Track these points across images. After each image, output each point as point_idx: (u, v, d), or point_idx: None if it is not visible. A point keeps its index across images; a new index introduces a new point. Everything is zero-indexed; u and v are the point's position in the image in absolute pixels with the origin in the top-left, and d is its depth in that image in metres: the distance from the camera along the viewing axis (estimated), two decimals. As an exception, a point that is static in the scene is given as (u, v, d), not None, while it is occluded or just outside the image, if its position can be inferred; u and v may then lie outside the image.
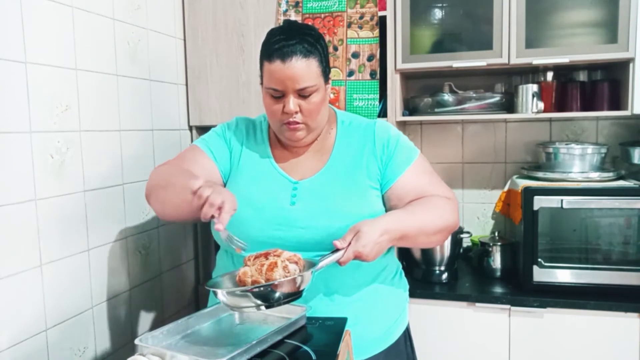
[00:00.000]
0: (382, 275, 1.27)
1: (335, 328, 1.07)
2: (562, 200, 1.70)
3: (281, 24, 1.89)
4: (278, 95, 1.17)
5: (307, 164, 1.26)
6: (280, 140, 1.28)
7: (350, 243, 1.05)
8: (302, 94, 1.16)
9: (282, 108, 1.17)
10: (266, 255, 1.04)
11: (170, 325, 1.03)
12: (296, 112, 1.17)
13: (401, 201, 1.23)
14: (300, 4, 1.89)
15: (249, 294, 0.96)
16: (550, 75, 1.97)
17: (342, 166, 1.24)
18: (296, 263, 1.03)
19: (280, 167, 1.26)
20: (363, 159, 1.24)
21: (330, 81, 1.25)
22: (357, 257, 1.05)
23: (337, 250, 1.05)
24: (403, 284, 1.38)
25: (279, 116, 1.19)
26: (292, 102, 1.16)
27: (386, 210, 1.25)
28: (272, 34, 1.18)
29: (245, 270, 1.02)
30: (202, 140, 1.32)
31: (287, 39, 1.14)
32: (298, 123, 1.18)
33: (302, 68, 1.13)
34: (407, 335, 1.35)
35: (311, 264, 1.04)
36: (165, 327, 1.01)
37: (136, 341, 0.95)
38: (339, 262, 1.05)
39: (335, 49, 1.87)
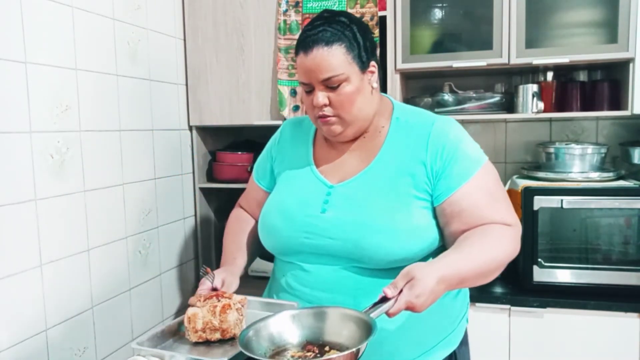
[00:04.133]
0: None
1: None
2: (562, 200, 1.70)
3: (281, 24, 1.89)
4: (308, 89, 1.11)
5: (349, 164, 1.16)
6: (327, 138, 1.19)
7: (402, 291, 0.90)
8: (329, 85, 1.07)
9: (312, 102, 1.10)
10: (217, 297, 1.00)
11: (168, 326, 1.03)
12: (325, 105, 1.09)
13: (452, 221, 1.08)
14: (300, 4, 1.89)
15: None
16: (550, 75, 1.97)
17: (386, 171, 1.11)
18: (243, 306, 1.00)
19: (321, 169, 1.18)
20: (410, 165, 1.10)
21: (373, 68, 1.13)
22: (409, 308, 0.90)
23: (386, 298, 0.90)
24: (459, 305, 1.20)
25: (312, 111, 1.12)
26: (319, 95, 1.08)
27: (437, 225, 1.10)
28: (305, 25, 1.12)
29: (195, 312, 0.97)
30: (256, 167, 1.35)
31: (311, 29, 1.08)
32: (329, 116, 1.10)
33: (323, 57, 1.05)
34: (453, 359, 1.18)
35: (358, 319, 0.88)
36: (163, 328, 1.01)
37: (133, 345, 0.94)
38: (387, 314, 0.90)
39: (335, 49, 1.87)
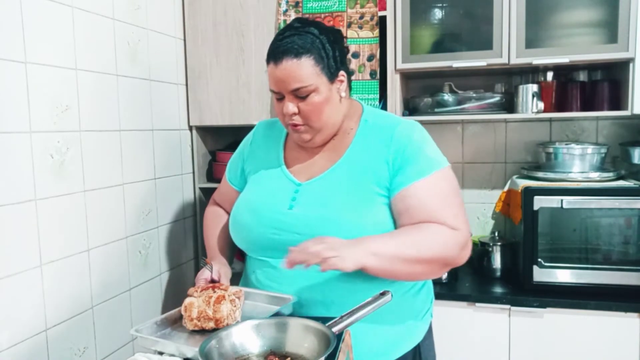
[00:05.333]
0: (390, 289, 1.10)
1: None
2: (562, 200, 1.70)
3: (281, 24, 1.90)
4: (279, 97, 1.15)
5: (317, 164, 1.21)
6: None
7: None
8: (299, 95, 1.12)
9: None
10: (213, 289, 1.05)
11: (170, 314, 1.06)
12: (294, 114, 1.13)
13: (402, 217, 1.12)
14: (300, 4, 1.89)
15: None
16: (550, 75, 1.97)
17: (352, 168, 1.16)
18: (239, 299, 1.04)
19: (291, 169, 1.23)
20: (374, 163, 1.15)
21: (342, 77, 1.17)
22: (326, 260, 0.94)
23: (353, 312, 0.93)
24: (421, 300, 1.24)
25: (282, 117, 1.17)
26: (289, 104, 1.13)
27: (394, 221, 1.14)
28: (276, 34, 1.16)
29: (191, 301, 1.02)
30: (228, 167, 1.39)
31: (282, 39, 1.11)
32: (299, 125, 1.15)
33: (293, 69, 1.09)
34: (417, 353, 1.21)
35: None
36: (159, 317, 1.04)
37: (131, 331, 0.97)
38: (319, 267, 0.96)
39: (335, 49, 1.87)
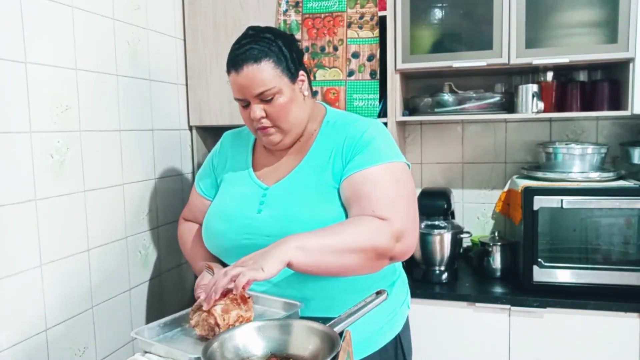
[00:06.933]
0: (366, 284, 1.16)
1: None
2: (562, 200, 1.70)
3: (281, 24, 1.90)
4: (244, 104, 1.18)
5: (283, 167, 1.24)
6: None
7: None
8: (264, 99, 1.15)
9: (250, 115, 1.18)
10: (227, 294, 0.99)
11: (169, 318, 1.04)
12: (262, 118, 1.16)
13: (346, 205, 1.13)
14: (300, 4, 1.89)
15: None
16: (550, 75, 1.97)
17: (312, 168, 1.19)
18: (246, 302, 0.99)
19: (258, 174, 1.26)
20: (331, 159, 1.17)
21: (302, 77, 1.21)
22: (230, 280, 0.91)
23: (357, 310, 0.94)
24: (398, 292, 1.29)
25: (250, 123, 1.21)
26: (255, 109, 1.16)
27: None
28: (233, 44, 1.18)
29: (228, 309, 0.97)
30: (197, 179, 1.40)
31: (239, 48, 1.14)
32: (268, 127, 1.18)
33: (254, 74, 1.12)
34: (398, 342, 1.26)
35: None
36: (163, 320, 1.02)
37: (132, 334, 0.95)
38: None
39: (335, 49, 1.87)
